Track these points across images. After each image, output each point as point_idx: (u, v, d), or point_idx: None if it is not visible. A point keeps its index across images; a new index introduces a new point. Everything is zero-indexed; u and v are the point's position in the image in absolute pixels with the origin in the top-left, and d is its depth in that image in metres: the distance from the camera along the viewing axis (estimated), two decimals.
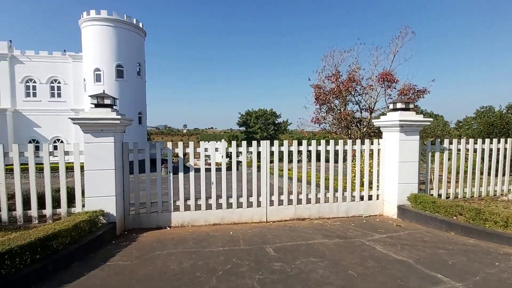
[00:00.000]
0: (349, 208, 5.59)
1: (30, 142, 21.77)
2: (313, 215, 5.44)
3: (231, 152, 5.25)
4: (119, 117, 4.56)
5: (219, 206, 5.22)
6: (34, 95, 25.97)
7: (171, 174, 5.10)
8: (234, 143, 5.19)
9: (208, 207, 5.19)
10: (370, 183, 5.82)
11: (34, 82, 25.87)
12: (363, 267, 3.30)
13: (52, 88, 26.21)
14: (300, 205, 5.40)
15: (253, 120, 39.09)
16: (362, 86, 7.95)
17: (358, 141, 5.57)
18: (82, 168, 4.65)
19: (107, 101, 4.73)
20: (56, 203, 4.79)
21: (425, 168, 5.80)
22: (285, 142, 5.30)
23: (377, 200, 5.72)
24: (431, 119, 6.15)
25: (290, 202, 5.39)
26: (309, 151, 5.44)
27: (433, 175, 5.76)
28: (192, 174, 5.12)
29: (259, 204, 5.26)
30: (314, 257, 3.62)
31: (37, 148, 4.63)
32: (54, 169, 4.81)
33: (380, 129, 5.87)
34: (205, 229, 4.90)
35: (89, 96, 4.87)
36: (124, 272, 3.30)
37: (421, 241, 4.15)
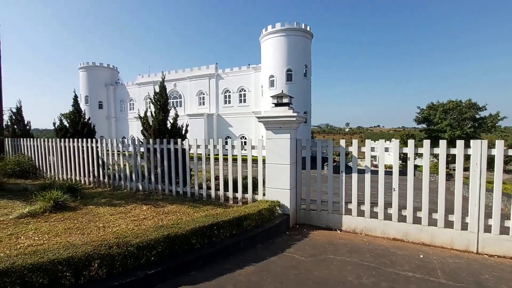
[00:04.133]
0: None
1: (225, 138, 28.53)
2: None
3: (419, 154, 4.18)
4: (295, 114, 4.71)
5: (401, 218, 4.30)
6: (229, 102, 33.92)
7: (343, 174, 4.74)
8: (426, 142, 4.09)
9: (387, 217, 4.41)
10: None
11: (229, 92, 33.76)
12: None
13: (240, 95, 33.17)
14: None
15: (438, 115, 29.96)
16: None
17: None
18: (263, 161, 5.22)
19: (285, 100, 5.04)
20: (244, 188, 5.65)
21: None
22: None
23: None
24: None
25: None
26: None
27: None
28: (368, 176, 4.52)
29: (464, 227, 3.86)
30: None
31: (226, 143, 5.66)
32: (243, 160, 5.70)
33: None
34: (383, 243, 4.17)
35: (271, 96, 5.38)
36: (299, 268, 3.28)
37: None
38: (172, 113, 7.72)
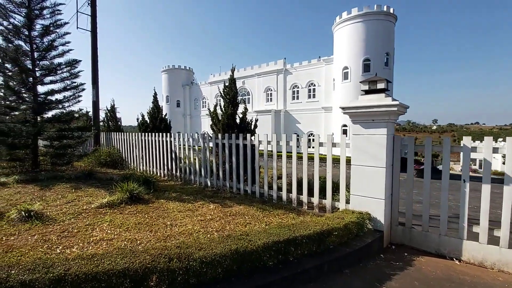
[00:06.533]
0: None
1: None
2: None
3: None
4: (395, 103, 3.60)
5: None
6: (297, 98, 32.82)
7: (467, 184, 3.42)
8: None
9: None
10: None
11: (297, 87, 32.63)
12: None
13: (309, 90, 31.69)
14: None
15: None
16: None
17: None
18: (347, 161, 4.26)
19: (380, 86, 3.96)
20: (321, 192, 4.79)
21: None
22: None
23: None
24: None
25: None
26: None
27: None
28: (509, 190, 3.12)
29: None
30: None
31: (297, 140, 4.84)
32: (319, 159, 4.82)
33: None
34: None
35: (360, 82, 4.36)
36: None
37: None
38: (240, 108, 7.35)
